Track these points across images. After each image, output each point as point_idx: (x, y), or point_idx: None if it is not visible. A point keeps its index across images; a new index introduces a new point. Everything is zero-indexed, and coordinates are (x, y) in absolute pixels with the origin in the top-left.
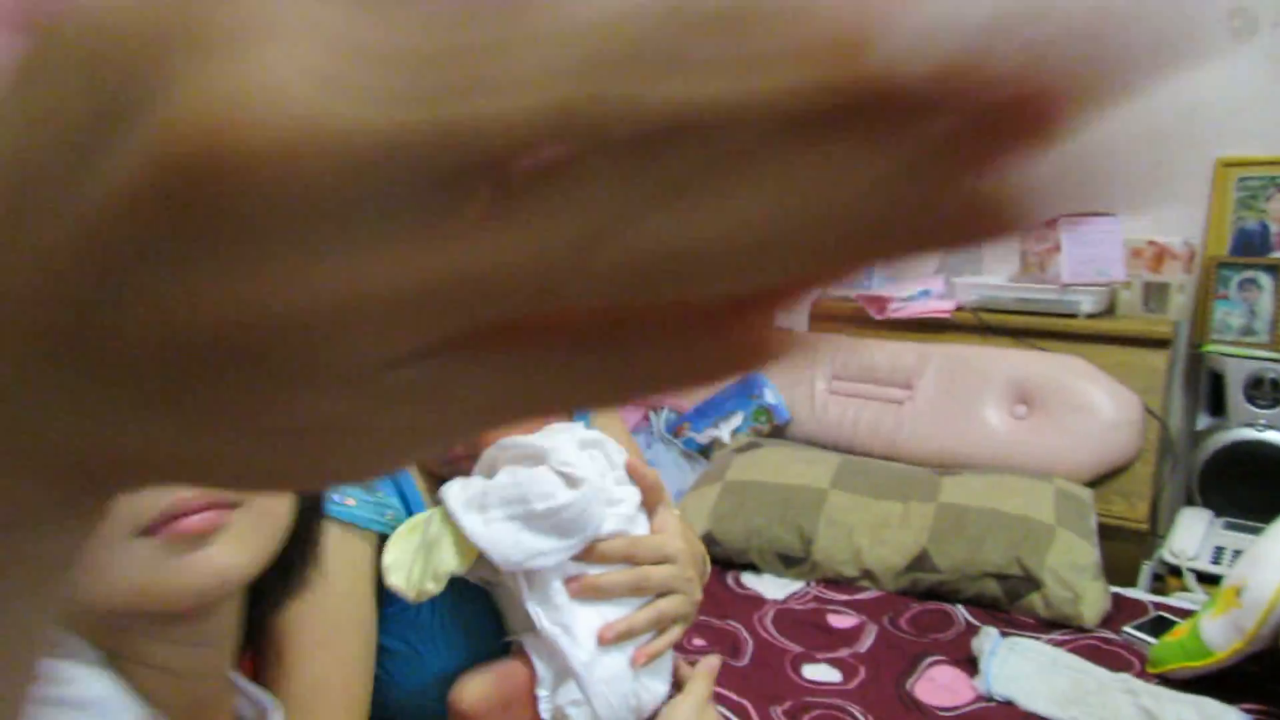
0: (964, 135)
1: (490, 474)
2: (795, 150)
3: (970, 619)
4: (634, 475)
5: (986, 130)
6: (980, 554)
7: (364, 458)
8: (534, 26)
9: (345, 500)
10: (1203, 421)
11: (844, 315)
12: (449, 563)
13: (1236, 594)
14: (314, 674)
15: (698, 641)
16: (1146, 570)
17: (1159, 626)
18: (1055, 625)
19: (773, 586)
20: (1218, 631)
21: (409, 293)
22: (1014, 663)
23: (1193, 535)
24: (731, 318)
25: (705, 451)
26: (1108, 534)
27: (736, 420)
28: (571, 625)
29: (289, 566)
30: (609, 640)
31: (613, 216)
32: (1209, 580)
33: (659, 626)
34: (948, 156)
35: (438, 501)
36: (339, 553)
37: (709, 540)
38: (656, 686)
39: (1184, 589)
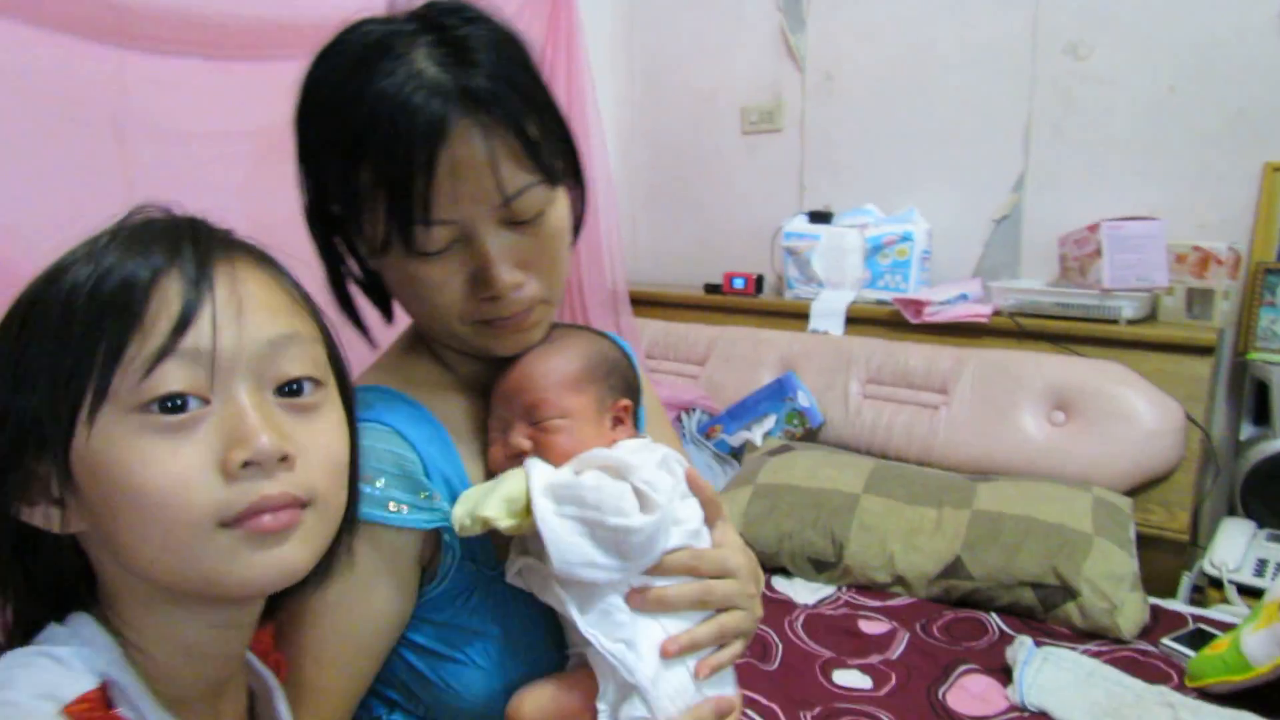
0: None
1: (578, 471)
2: None
3: (1004, 628)
4: (694, 487)
5: None
6: (1015, 562)
7: None
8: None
9: (400, 508)
10: (1246, 431)
11: (880, 319)
12: (492, 510)
13: None
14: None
15: None
16: (1186, 582)
17: (1198, 639)
18: (1091, 636)
19: (804, 591)
20: (1259, 645)
21: None
22: (1049, 673)
23: (1235, 546)
24: None
25: (737, 454)
26: (1147, 544)
27: (769, 423)
28: (634, 640)
29: (326, 558)
30: (672, 653)
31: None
32: (1251, 593)
33: (721, 641)
34: None
35: None
36: (376, 549)
37: None
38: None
39: (1225, 601)
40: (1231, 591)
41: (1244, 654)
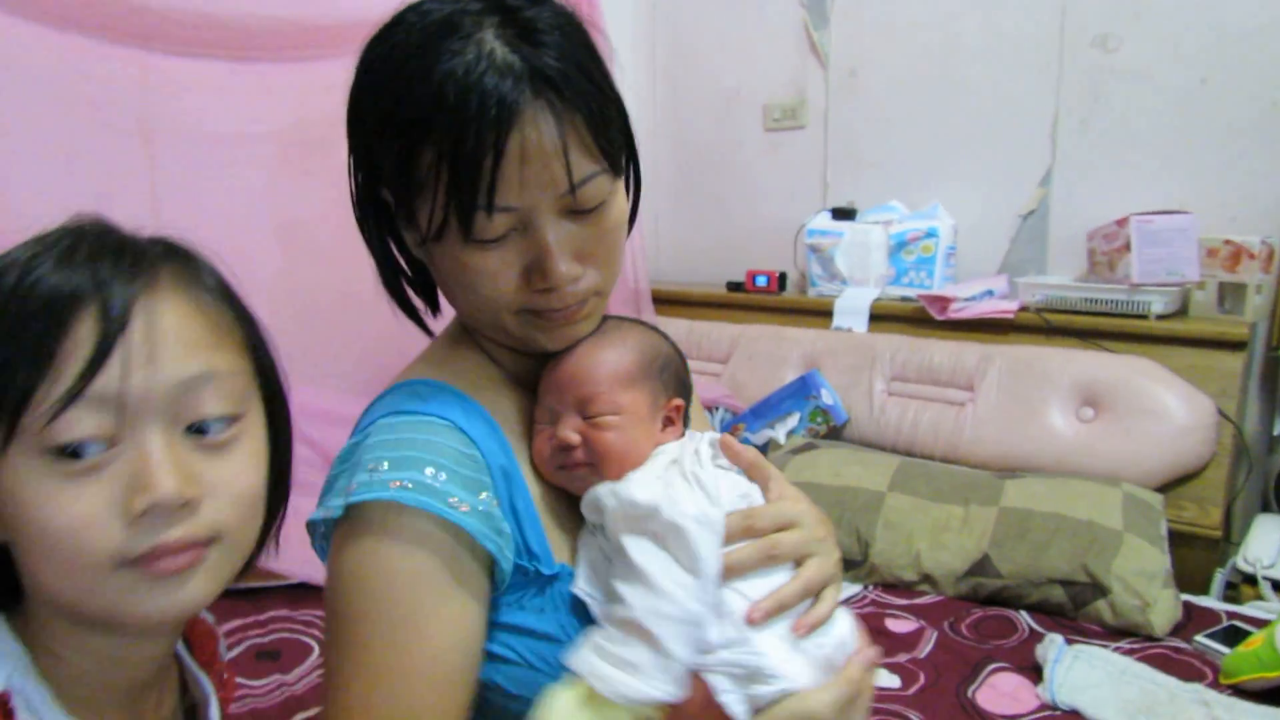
0: None
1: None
2: None
3: (1034, 625)
4: (731, 457)
5: None
6: (1044, 559)
7: None
8: None
9: (460, 506)
10: None
11: (904, 316)
12: None
13: None
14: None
15: None
16: (1220, 578)
17: (1233, 636)
18: (1123, 633)
19: None
20: None
21: None
22: (1080, 671)
23: (1269, 542)
24: None
25: (761, 452)
26: (1179, 541)
27: (793, 421)
28: (724, 608)
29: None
30: (757, 620)
31: None
32: None
33: (809, 594)
34: None
35: (562, 513)
36: (438, 549)
37: None
38: (837, 634)
39: (1259, 598)
40: (1266, 587)
41: (1279, 650)
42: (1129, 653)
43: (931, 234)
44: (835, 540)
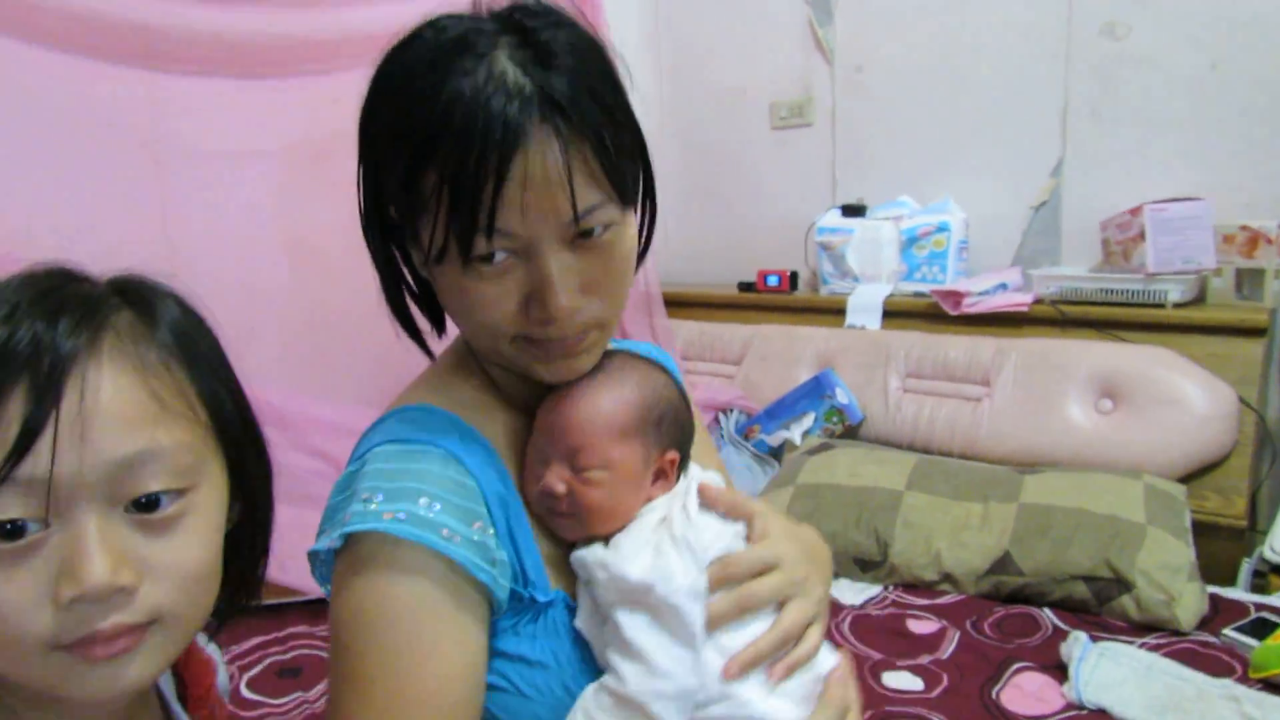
0: None
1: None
2: None
3: (1058, 623)
4: (706, 499)
5: None
6: (1066, 555)
7: None
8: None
9: (453, 538)
10: None
11: (918, 311)
12: None
13: None
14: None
15: None
16: (1246, 569)
17: (1262, 628)
18: (1148, 629)
19: (849, 592)
20: None
21: None
22: (1106, 669)
23: None
24: None
25: (776, 454)
26: (1203, 532)
27: (808, 421)
28: (704, 666)
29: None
30: (734, 675)
31: None
32: None
33: (788, 640)
34: None
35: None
36: (437, 580)
37: None
38: (816, 666)
39: None
40: None
41: None
42: (1155, 648)
43: (943, 228)
44: (824, 573)
